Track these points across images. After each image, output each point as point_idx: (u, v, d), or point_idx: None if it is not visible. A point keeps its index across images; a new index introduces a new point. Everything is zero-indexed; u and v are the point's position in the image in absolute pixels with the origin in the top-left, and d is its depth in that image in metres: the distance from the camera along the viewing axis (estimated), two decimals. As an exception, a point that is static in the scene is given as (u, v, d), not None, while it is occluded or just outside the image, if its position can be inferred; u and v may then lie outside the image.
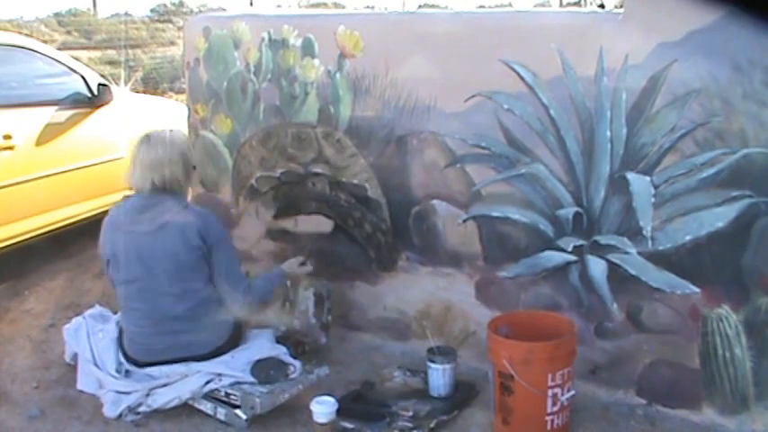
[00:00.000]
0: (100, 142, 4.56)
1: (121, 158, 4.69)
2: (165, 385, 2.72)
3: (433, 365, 2.77)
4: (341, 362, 3.08)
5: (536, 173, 2.80)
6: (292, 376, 2.76)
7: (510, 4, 15.20)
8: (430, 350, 2.80)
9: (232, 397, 2.67)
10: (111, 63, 10.86)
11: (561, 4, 17.02)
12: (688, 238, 2.53)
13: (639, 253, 2.62)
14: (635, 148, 2.59)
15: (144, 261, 2.73)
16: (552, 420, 2.48)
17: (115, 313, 3.05)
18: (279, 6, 13.51)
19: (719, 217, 2.48)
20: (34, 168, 4.04)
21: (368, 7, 17.00)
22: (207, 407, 2.71)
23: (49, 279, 4.13)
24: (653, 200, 2.57)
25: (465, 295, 3.05)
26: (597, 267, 2.73)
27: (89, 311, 3.12)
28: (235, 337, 2.85)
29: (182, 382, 2.71)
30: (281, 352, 2.83)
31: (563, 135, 2.72)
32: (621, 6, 2.70)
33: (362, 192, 3.23)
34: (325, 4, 18.28)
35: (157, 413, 2.70)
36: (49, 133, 4.16)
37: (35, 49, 4.44)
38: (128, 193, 2.91)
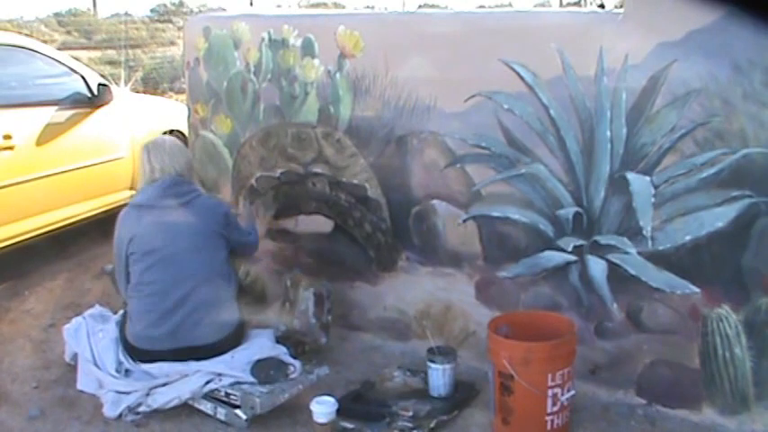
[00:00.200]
0: (100, 142, 4.56)
1: (121, 158, 4.70)
2: (164, 385, 2.72)
3: (433, 365, 2.77)
4: (341, 362, 3.08)
5: (536, 173, 2.80)
6: (292, 376, 2.76)
7: (510, 4, 15.20)
8: (430, 350, 2.80)
9: (232, 397, 2.67)
10: (111, 63, 10.86)
11: (561, 4, 17.01)
12: (688, 238, 2.54)
13: (639, 253, 2.63)
14: (635, 148, 2.59)
15: (170, 232, 2.83)
16: (552, 420, 2.48)
17: (115, 313, 3.05)
18: (279, 6, 13.53)
19: (719, 217, 2.48)
20: (34, 168, 4.04)
21: (368, 7, 17.01)
22: (207, 407, 2.71)
23: (49, 279, 4.13)
24: (653, 200, 2.57)
25: (465, 295, 3.05)
26: (597, 267, 2.73)
27: (89, 311, 3.12)
28: (237, 335, 2.86)
29: (181, 382, 2.71)
30: (281, 352, 2.83)
31: (563, 135, 2.72)
32: (621, 6, 2.70)
33: (362, 192, 3.23)
34: (325, 4, 18.28)
35: (157, 413, 2.70)
36: (49, 133, 4.16)
37: (35, 49, 4.44)
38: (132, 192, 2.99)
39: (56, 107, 4.28)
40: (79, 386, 2.88)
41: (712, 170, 2.47)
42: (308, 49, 3.28)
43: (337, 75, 3.20)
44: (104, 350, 2.85)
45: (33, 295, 3.93)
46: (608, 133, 2.63)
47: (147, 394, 2.71)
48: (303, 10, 11.10)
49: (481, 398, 2.74)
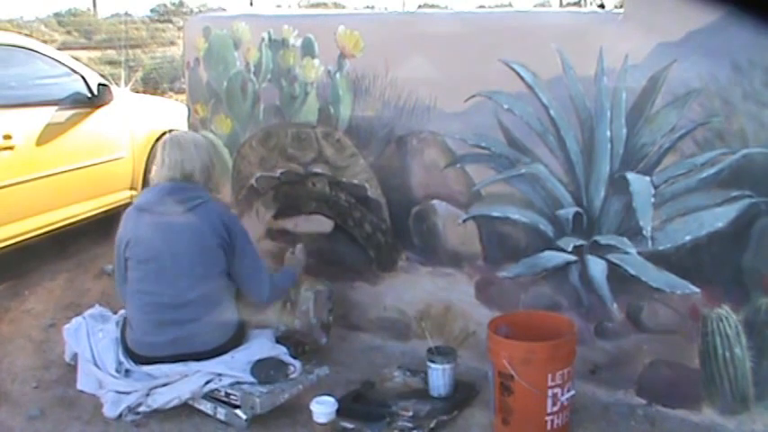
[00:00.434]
0: (100, 142, 4.56)
1: (121, 158, 4.70)
2: (164, 385, 2.72)
3: (433, 365, 2.77)
4: (341, 362, 3.08)
5: (536, 173, 2.80)
6: (292, 376, 2.76)
7: (510, 4, 15.20)
8: (430, 350, 2.80)
9: (232, 397, 2.67)
10: (111, 63, 10.86)
11: (561, 4, 17.02)
12: (688, 238, 2.53)
13: (639, 253, 2.62)
14: (635, 148, 2.59)
15: (168, 240, 2.75)
16: (552, 420, 2.48)
17: (115, 313, 3.05)
18: (279, 6, 13.52)
19: (719, 217, 2.48)
20: (34, 168, 4.04)
21: (368, 7, 17.02)
22: (207, 407, 2.71)
23: (49, 279, 4.12)
24: (653, 200, 2.57)
25: (465, 295, 3.05)
26: (597, 267, 2.73)
27: (89, 311, 3.11)
28: (237, 337, 2.85)
29: (182, 382, 2.71)
30: (281, 352, 2.83)
31: (563, 135, 2.72)
32: (621, 6, 2.70)
33: (362, 192, 3.23)
34: (325, 4, 18.28)
35: (157, 413, 2.69)
36: (49, 133, 4.16)
37: (35, 49, 4.43)
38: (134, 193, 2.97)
39: (56, 107, 4.28)
40: (79, 386, 2.87)
41: (712, 170, 2.47)
42: (307, 49, 3.28)
43: (337, 75, 3.20)
44: (104, 350, 2.84)
45: (33, 295, 3.92)
46: (608, 133, 2.63)
47: (147, 394, 2.70)
48: (303, 10, 11.10)
49: (481, 398, 2.74)
